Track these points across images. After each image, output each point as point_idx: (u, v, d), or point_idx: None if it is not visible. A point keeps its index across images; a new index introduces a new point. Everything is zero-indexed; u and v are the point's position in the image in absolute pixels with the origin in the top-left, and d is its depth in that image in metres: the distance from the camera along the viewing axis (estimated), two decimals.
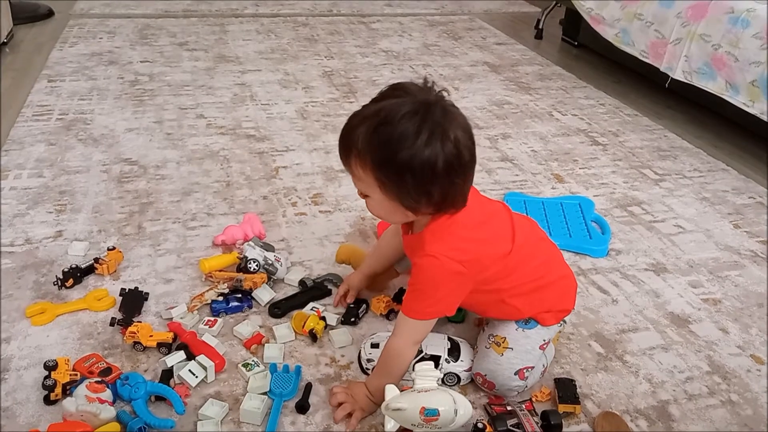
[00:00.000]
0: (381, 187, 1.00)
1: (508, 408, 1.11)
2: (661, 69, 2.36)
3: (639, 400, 1.17)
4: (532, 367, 1.14)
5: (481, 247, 1.06)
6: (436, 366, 1.13)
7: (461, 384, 1.17)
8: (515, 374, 1.12)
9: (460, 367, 1.16)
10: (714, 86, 2.16)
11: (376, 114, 0.97)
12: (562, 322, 1.18)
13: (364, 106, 1.01)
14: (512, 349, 1.12)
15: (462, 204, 1.03)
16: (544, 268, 1.15)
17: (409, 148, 0.94)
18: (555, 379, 1.18)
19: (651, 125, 2.37)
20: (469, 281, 1.06)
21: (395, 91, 1.00)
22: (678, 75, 2.28)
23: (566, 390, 1.15)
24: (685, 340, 1.33)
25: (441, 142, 0.94)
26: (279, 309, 1.32)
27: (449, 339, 1.19)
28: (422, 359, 1.14)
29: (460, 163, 0.97)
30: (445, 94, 1.01)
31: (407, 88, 1.00)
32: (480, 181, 1.90)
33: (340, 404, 1.09)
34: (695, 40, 2.20)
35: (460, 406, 1.01)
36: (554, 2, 3.20)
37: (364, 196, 1.05)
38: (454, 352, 1.17)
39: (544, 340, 1.15)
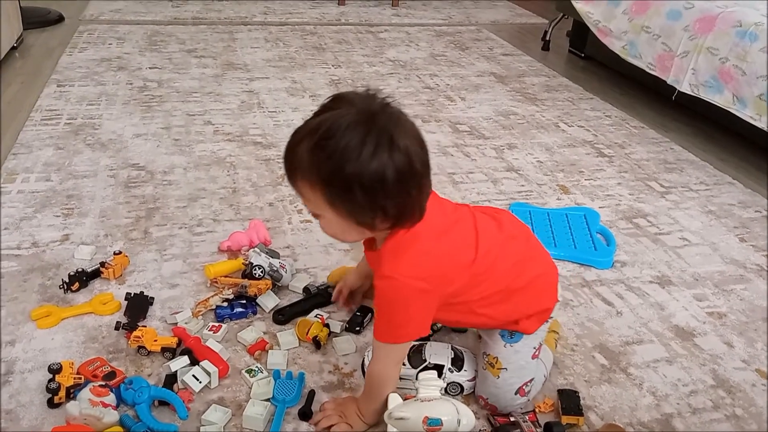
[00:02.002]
0: (331, 206, 0.94)
1: (512, 419, 1.10)
2: (668, 82, 2.36)
3: (643, 412, 1.17)
4: (532, 380, 1.13)
5: (445, 259, 1.00)
6: (439, 375, 1.13)
7: (464, 394, 1.17)
8: (516, 393, 1.11)
9: (463, 376, 1.16)
10: (721, 99, 2.16)
11: (318, 128, 0.90)
12: (549, 320, 1.13)
13: (306, 121, 0.95)
14: (507, 369, 1.10)
15: (419, 216, 0.96)
16: (516, 271, 1.07)
17: (355, 160, 0.88)
18: (558, 391, 1.18)
19: (657, 138, 2.37)
20: (435, 297, 1.00)
21: (336, 102, 0.94)
22: (685, 88, 2.29)
23: (570, 401, 1.14)
24: (689, 353, 1.32)
25: (389, 151, 0.88)
26: (283, 315, 1.33)
27: (453, 349, 1.19)
28: (425, 368, 1.14)
29: (413, 173, 0.91)
30: (390, 100, 0.94)
31: (349, 99, 0.93)
32: (485, 191, 1.91)
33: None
34: (702, 53, 2.20)
35: (463, 416, 1.01)
36: (561, 14, 3.21)
37: (316, 216, 0.99)
38: (457, 361, 1.17)
39: (535, 348, 1.12)
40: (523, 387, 1.12)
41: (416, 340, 1.22)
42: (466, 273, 1.03)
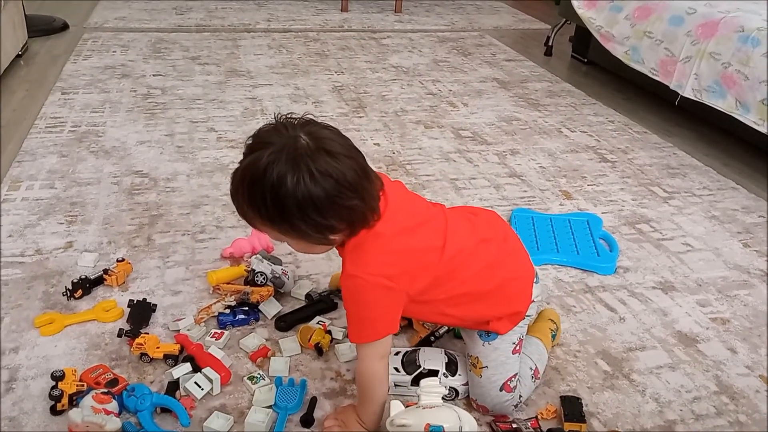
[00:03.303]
0: (285, 235, 1.00)
1: (514, 426, 1.10)
2: (671, 87, 2.36)
3: (645, 419, 1.17)
4: (516, 375, 1.13)
5: (408, 256, 1.02)
6: None
7: (459, 398, 1.17)
8: (500, 390, 1.11)
9: (458, 381, 1.16)
10: (724, 104, 2.16)
11: (244, 176, 0.96)
12: (527, 316, 1.12)
13: (236, 168, 0.99)
14: (487, 367, 1.11)
15: (373, 218, 0.98)
16: (485, 274, 1.08)
17: (284, 196, 0.92)
18: (561, 397, 1.17)
19: (660, 143, 2.37)
20: (401, 294, 1.02)
21: (255, 143, 0.98)
22: (688, 93, 2.28)
23: (572, 408, 1.14)
24: (692, 359, 1.32)
25: (311, 180, 0.91)
26: (285, 322, 1.33)
27: (446, 353, 1.19)
28: (420, 374, 1.14)
29: (346, 187, 0.93)
30: (308, 118, 0.99)
31: (263, 137, 0.97)
32: (488, 196, 1.91)
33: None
34: (705, 58, 2.20)
35: (465, 423, 1.00)
36: (564, 20, 3.21)
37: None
38: (451, 366, 1.17)
39: (514, 343, 1.12)
40: (508, 383, 1.11)
41: (412, 347, 1.23)
42: (429, 273, 1.04)
